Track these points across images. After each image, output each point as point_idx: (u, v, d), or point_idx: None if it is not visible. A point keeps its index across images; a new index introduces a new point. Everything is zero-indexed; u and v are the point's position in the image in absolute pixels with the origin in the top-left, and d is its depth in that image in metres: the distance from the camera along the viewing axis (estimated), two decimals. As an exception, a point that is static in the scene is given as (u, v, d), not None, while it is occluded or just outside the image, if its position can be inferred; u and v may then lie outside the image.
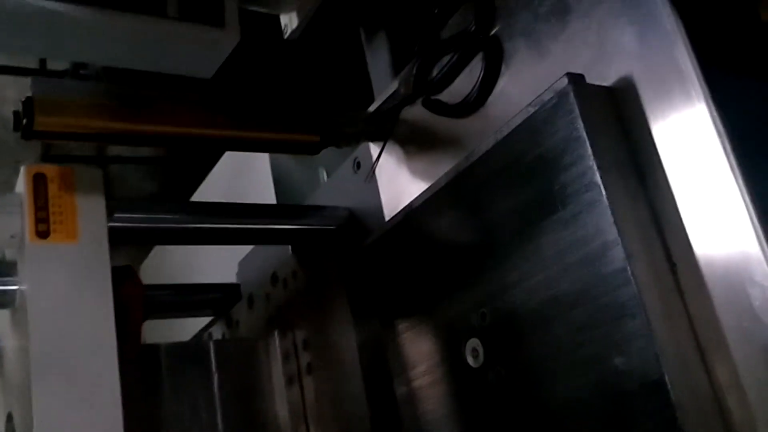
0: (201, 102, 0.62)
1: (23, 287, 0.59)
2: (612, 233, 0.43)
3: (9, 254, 0.65)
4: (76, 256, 0.60)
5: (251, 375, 0.73)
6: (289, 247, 0.81)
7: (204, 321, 0.98)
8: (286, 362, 0.73)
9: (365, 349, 0.68)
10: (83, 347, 0.58)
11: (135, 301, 0.63)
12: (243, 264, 0.91)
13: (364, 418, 0.66)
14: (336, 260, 0.73)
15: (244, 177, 1.17)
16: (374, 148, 0.74)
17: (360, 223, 0.75)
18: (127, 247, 0.69)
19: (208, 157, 1.29)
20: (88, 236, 0.60)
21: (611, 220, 0.43)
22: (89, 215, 0.61)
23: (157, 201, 1.13)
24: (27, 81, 0.56)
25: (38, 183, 0.61)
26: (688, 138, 0.44)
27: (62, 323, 0.58)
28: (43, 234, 0.59)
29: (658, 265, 0.43)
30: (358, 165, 0.76)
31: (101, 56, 0.71)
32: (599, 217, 0.44)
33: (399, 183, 0.70)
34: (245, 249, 0.93)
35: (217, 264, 1.04)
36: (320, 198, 0.83)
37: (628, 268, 0.42)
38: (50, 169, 0.62)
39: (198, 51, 0.70)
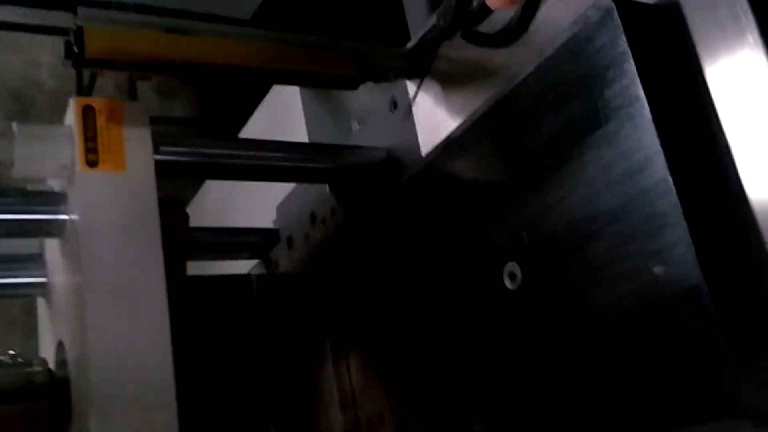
0: (243, 34, 0.63)
1: (74, 216, 0.61)
2: (654, 145, 0.44)
3: (56, 186, 0.67)
4: (124, 184, 0.61)
5: (292, 307, 0.75)
6: (327, 188, 0.82)
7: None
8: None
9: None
10: (133, 272, 0.60)
11: (181, 230, 0.65)
12: (281, 208, 0.93)
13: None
14: (375, 197, 0.74)
15: (277, 135, 1.17)
16: (411, 87, 0.75)
17: (398, 162, 0.76)
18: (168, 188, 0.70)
19: (241, 115, 1.30)
20: (135, 166, 0.62)
21: (654, 133, 0.44)
22: (136, 146, 0.63)
23: (201, 135, 1.15)
24: (61, 43, 0.58)
25: (87, 114, 0.62)
26: (735, 62, 0.44)
27: (112, 249, 0.60)
28: (92, 163, 0.61)
29: (702, 178, 0.44)
30: (395, 104, 0.77)
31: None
32: (642, 130, 0.44)
33: (437, 119, 0.71)
34: (279, 198, 0.95)
35: (255, 212, 1.06)
36: (356, 140, 0.84)
37: (670, 178, 0.43)
38: (98, 102, 0.64)
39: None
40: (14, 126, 0.61)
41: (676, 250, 0.42)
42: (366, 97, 0.93)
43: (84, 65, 0.57)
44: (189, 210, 1.32)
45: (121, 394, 0.56)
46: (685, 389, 0.42)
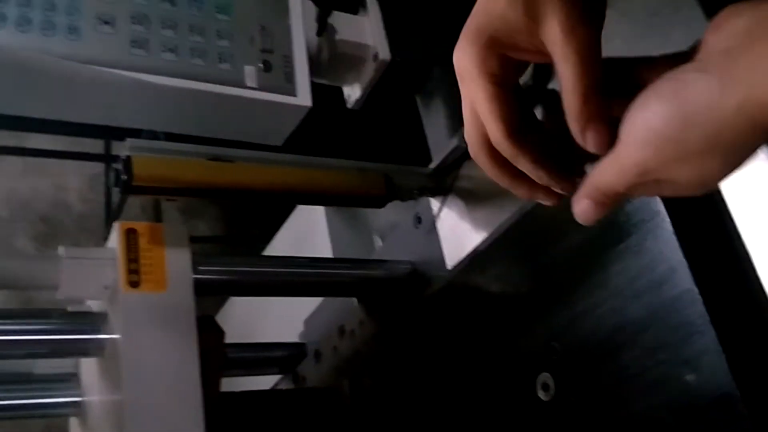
0: (277, 160, 0.67)
1: (115, 336, 0.63)
2: (677, 257, 0.46)
3: (95, 306, 0.70)
4: (164, 304, 0.64)
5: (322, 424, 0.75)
6: (355, 301, 0.84)
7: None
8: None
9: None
10: (172, 392, 0.61)
11: (216, 349, 0.67)
12: (308, 322, 0.95)
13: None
14: (403, 309, 0.76)
15: (303, 251, 1.20)
16: (435, 204, 0.78)
17: (423, 275, 0.78)
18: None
19: (265, 233, 1.34)
20: (175, 286, 0.65)
21: (676, 245, 0.46)
22: (176, 267, 0.65)
23: (230, 254, 1.18)
24: (89, 168, 0.62)
25: (130, 237, 0.66)
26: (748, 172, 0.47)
27: (152, 369, 0.61)
28: (134, 284, 0.64)
29: (727, 285, 0.46)
30: (419, 220, 0.80)
31: (178, 124, 0.77)
32: (664, 243, 0.47)
33: (461, 233, 0.73)
34: (303, 313, 0.97)
35: (279, 327, 1.08)
36: (381, 255, 0.87)
37: (695, 287, 0.45)
38: (140, 225, 0.67)
39: (271, 119, 0.76)
40: (61, 249, 0.64)
41: (706, 357, 0.44)
42: (389, 213, 0.97)
43: (131, 192, 0.61)
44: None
45: None
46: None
